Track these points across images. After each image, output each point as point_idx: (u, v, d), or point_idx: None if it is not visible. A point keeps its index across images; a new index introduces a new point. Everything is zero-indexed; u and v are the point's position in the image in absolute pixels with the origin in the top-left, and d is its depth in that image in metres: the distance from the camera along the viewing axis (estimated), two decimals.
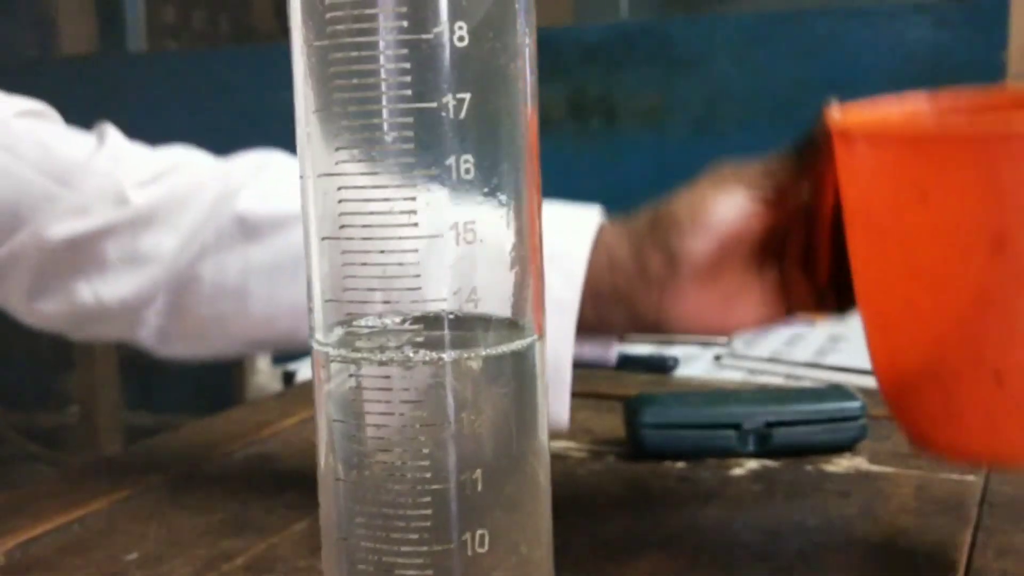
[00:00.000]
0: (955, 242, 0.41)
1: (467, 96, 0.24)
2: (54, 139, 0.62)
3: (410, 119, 0.24)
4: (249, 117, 2.59)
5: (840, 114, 0.47)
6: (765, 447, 0.66)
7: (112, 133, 0.64)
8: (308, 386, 0.89)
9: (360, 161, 0.25)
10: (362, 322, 0.26)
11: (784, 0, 2.34)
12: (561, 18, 3.04)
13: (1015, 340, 0.41)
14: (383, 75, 0.24)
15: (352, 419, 0.26)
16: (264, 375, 2.34)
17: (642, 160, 2.12)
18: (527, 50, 0.26)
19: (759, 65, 2.02)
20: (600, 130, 2.15)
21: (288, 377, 1.02)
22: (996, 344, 0.41)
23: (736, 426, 0.66)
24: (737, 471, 0.64)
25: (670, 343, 1.06)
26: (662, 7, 2.93)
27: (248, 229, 0.57)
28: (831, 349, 1.04)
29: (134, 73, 2.71)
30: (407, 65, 0.24)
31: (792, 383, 0.89)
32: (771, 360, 0.98)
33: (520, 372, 0.27)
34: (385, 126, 0.24)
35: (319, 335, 0.27)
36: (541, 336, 0.27)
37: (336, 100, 0.25)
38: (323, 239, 0.26)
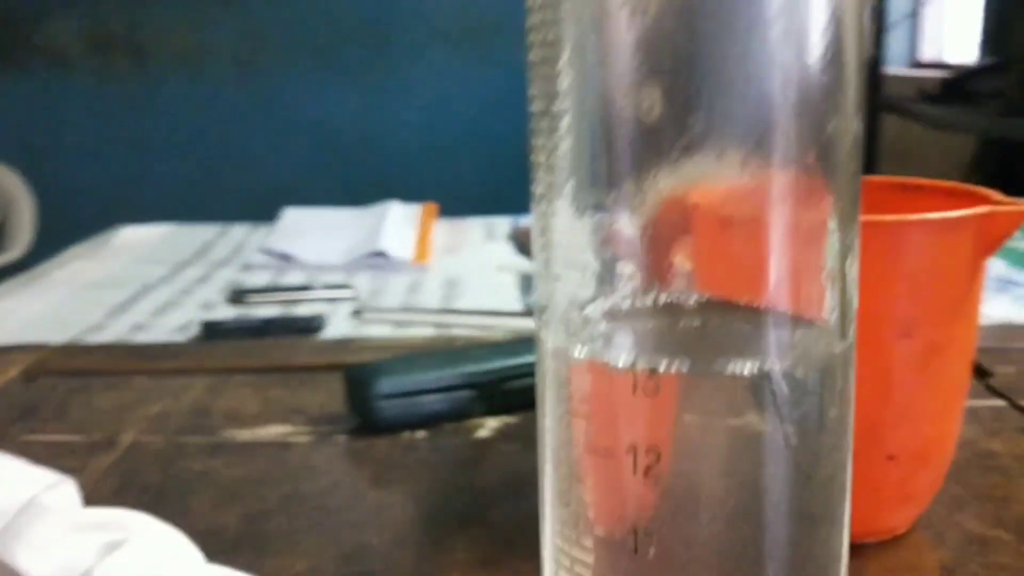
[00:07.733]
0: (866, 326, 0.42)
1: None
2: None
3: None
4: None
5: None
6: (499, 404, 0.63)
7: None
8: None
9: None
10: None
11: None
12: None
13: (908, 424, 0.42)
14: None
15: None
16: None
17: (177, 104, 1.95)
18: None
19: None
20: (128, 73, 1.94)
21: None
22: (892, 427, 0.42)
23: (474, 386, 0.62)
24: (482, 433, 0.61)
25: (297, 302, 0.99)
26: None
27: None
28: (453, 295, 1.04)
29: None
30: None
31: (483, 333, 0.86)
32: (408, 310, 0.96)
33: (828, 385, 0.21)
34: None
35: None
36: (850, 341, 0.22)
37: None
38: None
